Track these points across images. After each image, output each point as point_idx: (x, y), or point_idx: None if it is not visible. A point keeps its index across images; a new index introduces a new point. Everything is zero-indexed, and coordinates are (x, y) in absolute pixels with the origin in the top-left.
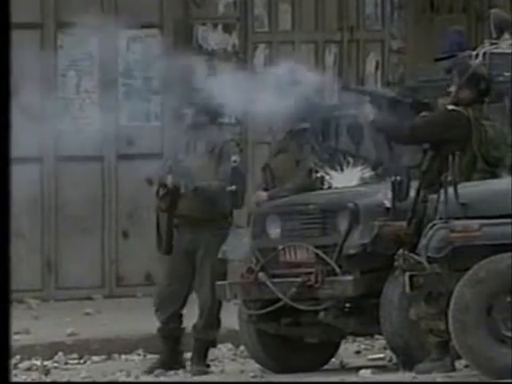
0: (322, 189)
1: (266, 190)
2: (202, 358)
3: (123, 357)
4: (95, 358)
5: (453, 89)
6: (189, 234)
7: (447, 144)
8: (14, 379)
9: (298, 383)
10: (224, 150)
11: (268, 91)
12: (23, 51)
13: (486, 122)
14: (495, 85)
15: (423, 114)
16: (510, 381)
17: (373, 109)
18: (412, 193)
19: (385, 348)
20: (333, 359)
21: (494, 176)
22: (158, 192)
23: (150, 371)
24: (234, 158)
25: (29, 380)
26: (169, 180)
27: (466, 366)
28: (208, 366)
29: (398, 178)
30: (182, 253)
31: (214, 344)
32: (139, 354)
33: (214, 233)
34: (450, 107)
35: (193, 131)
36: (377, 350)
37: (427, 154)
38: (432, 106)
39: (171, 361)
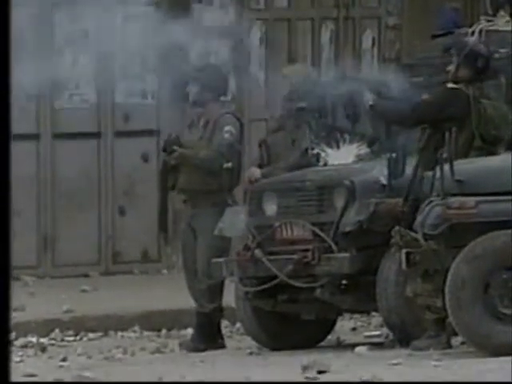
0: (317, 166)
1: (260, 166)
2: (200, 333)
3: (119, 334)
4: (91, 335)
5: (451, 67)
6: (191, 209)
7: (446, 122)
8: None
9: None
10: (218, 122)
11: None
12: (19, 28)
13: (486, 101)
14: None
15: (424, 95)
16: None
17: (372, 94)
18: (408, 170)
19: (381, 325)
20: (329, 336)
21: (491, 154)
22: (163, 169)
23: (182, 346)
24: (227, 128)
25: (25, 357)
26: (174, 155)
27: (463, 343)
28: (213, 342)
29: (394, 155)
30: (187, 228)
31: (212, 317)
32: (135, 331)
33: (213, 207)
34: (450, 85)
35: (195, 108)
36: (373, 327)
37: (425, 131)
38: (431, 87)
39: (205, 337)
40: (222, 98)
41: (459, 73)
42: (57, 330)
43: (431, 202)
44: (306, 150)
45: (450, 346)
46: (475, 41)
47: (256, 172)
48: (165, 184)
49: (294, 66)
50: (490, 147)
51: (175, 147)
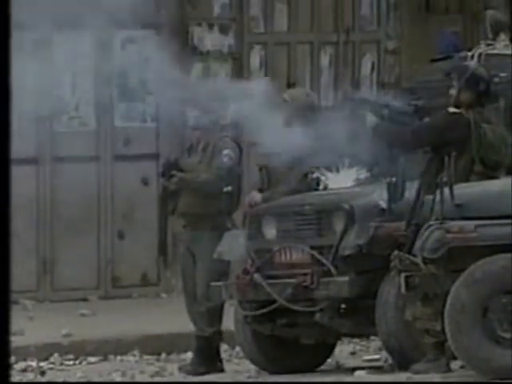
0: (317, 190)
1: (261, 190)
2: (200, 357)
3: (119, 357)
4: (91, 359)
5: (453, 92)
6: (190, 233)
7: (446, 146)
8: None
9: (297, 383)
10: (217, 146)
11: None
12: (19, 52)
13: (486, 125)
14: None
15: (425, 119)
16: (509, 381)
17: (373, 117)
18: (408, 194)
19: (380, 349)
20: (328, 360)
21: (492, 179)
22: (163, 193)
23: (182, 370)
24: (226, 151)
25: (24, 381)
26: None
27: (462, 367)
28: (212, 365)
29: (394, 179)
30: (187, 252)
31: (212, 341)
32: (135, 355)
33: (212, 231)
34: (451, 110)
35: (195, 133)
36: (372, 350)
37: (427, 155)
38: (432, 111)
39: (204, 361)
40: (222, 122)
41: (461, 97)
42: (56, 354)
43: (430, 225)
44: (306, 174)
45: (449, 370)
46: (476, 65)
47: (256, 196)
48: (165, 208)
49: (295, 90)
50: (490, 172)
51: (174, 172)
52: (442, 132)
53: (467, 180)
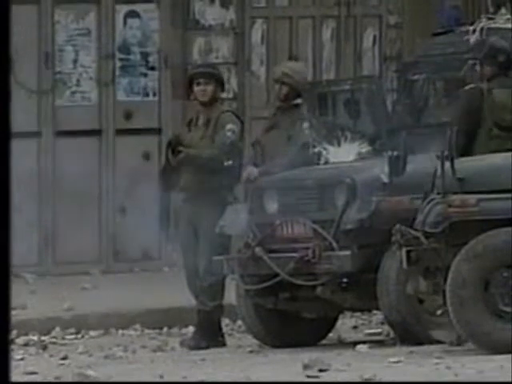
0: (318, 164)
1: (255, 165)
2: (201, 331)
3: (120, 332)
4: (92, 333)
5: (478, 67)
6: (191, 207)
7: (470, 119)
8: (11, 355)
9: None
10: (219, 120)
11: None
12: (20, 26)
13: (496, 90)
14: None
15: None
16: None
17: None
18: (409, 167)
19: (382, 323)
20: (330, 334)
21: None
22: (165, 169)
23: (183, 344)
24: (229, 126)
25: (26, 355)
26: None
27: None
28: (214, 340)
29: (395, 153)
30: (188, 226)
31: (213, 315)
32: (136, 329)
33: (214, 206)
34: (467, 87)
35: (196, 106)
36: (374, 324)
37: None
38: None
39: (206, 335)
40: (223, 96)
41: (483, 71)
42: (58, 328)
43: (432, 200)
44: (303, 145)
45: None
46: (495, 37)
47: (254, 171)
48: (167, 183)
49: (294, 64)
50: (507, 133)
51: (181, 148)
52: (469, 112)
53: (487, 146)
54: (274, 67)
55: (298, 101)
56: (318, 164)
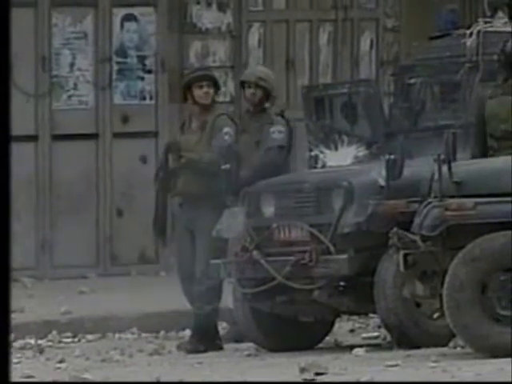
0: (316, 167)
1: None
2: (198, 335)
3: (117, 335)
4: (89, 337)
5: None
6: (189, 212)
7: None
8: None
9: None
10: (216, 124)
11: None
12: (17, 30)
13: (492, 99)
14: (489, 63)
15: None
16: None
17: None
18: (406, 171)
19: (379, 326)
20: (327, 338)
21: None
22: (157, 174)
23: (180, 348)
24: (225, 129)
25: (23, 358)
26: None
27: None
28: (211, 343)
29: (393, 156)
30: (184, 231)
31: (210, 319)
32: (133, 333)
33: (211, 209)
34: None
35: (190, 109)
36: (371, 328)
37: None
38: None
39: (203, 339)
40: (219, 99)
41: (500, 75)
42: (55, 332)
43: (429, 203)
44: (278, 147)
45: None
46: (509, 42)
47: None
48: (165, 187)
49: (263, 68)
50: (499, 143)
51: (182, 153)
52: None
53: (485, 156)
54: (244, 71)
55: (267, 105)
56: (315, 167)
